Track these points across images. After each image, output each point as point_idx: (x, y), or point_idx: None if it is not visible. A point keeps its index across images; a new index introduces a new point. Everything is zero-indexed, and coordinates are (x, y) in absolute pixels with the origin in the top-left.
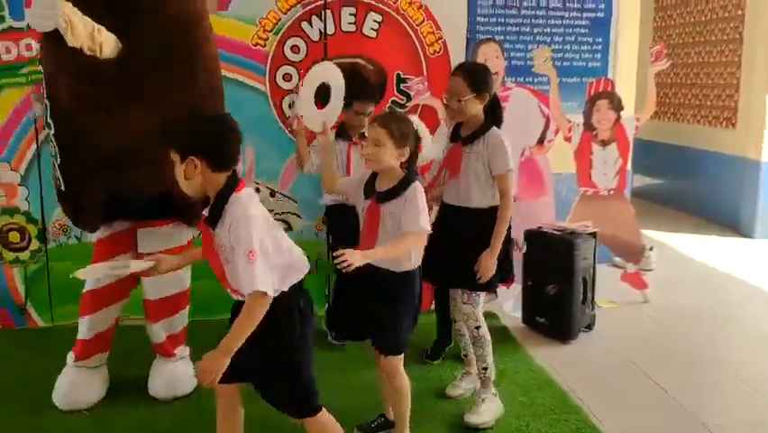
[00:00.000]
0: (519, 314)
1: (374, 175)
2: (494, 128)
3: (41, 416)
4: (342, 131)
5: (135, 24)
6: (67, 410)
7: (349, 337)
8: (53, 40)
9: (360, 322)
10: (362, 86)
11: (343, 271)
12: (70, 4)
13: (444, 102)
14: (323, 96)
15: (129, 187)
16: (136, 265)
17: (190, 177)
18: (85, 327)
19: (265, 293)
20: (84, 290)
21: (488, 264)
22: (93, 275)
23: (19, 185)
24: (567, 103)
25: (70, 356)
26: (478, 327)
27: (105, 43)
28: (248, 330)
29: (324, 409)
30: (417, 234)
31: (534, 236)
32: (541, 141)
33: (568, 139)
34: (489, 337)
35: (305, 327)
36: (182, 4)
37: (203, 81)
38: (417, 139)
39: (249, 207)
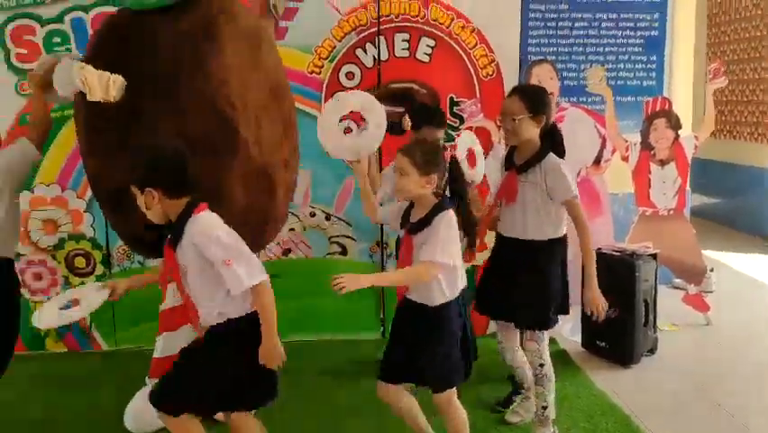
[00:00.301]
0: (578, 338)
1: (412, 204)
2: (550, 155)
3: None
4: None
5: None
6: None
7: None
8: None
9: (401, 358)
10: (431, 111)
11: (337, 293)
12: (88, 66)
13: (498, 123)
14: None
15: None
16: (92, 301)
17: (150, 207)
18: (160, 345)
19: (258, 284)
20: (163, 308)
21: (594, 300)
22: (48, 323)
23: (84, 212)
24: (622, 122)
25: (148, 379)
26: (542, 365)
27: (117, 91)
28: (271, 317)
29: (188, 416)
30: (430, 265)
31: None
32: (597, 161)
33: (625, 159)
34: (552, 375)
35: (244, 351)
36: (192, 16)
37: (207, 99)
38: (454, 164)
39: (207, 224)
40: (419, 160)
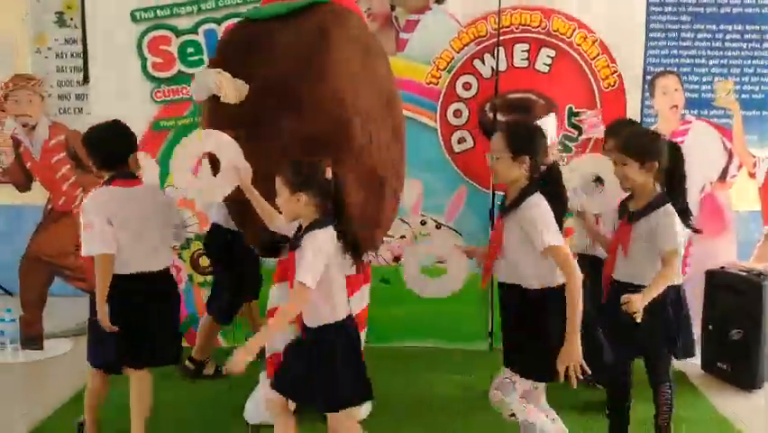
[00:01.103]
0: (697, 360)
1: None
2: (532, 198)
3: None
4: None
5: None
6: (254, 424)
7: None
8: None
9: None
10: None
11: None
12: (224, 72)
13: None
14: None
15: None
16: None
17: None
18: (269, 343)
19: (96, 255)
20: (269, 307)
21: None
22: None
23: None
24: (747, 136)
25: (263, 374)
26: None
27: (244, 92)
28: (101, 285)
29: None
30: (300, 290)
31: (716, 277)
32: (723, 176)
33: (752, 175)
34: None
35: (129, 312)
36: (308, 21)
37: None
38: (337, 184)
39: (95, 195)
40: (290, 177)
